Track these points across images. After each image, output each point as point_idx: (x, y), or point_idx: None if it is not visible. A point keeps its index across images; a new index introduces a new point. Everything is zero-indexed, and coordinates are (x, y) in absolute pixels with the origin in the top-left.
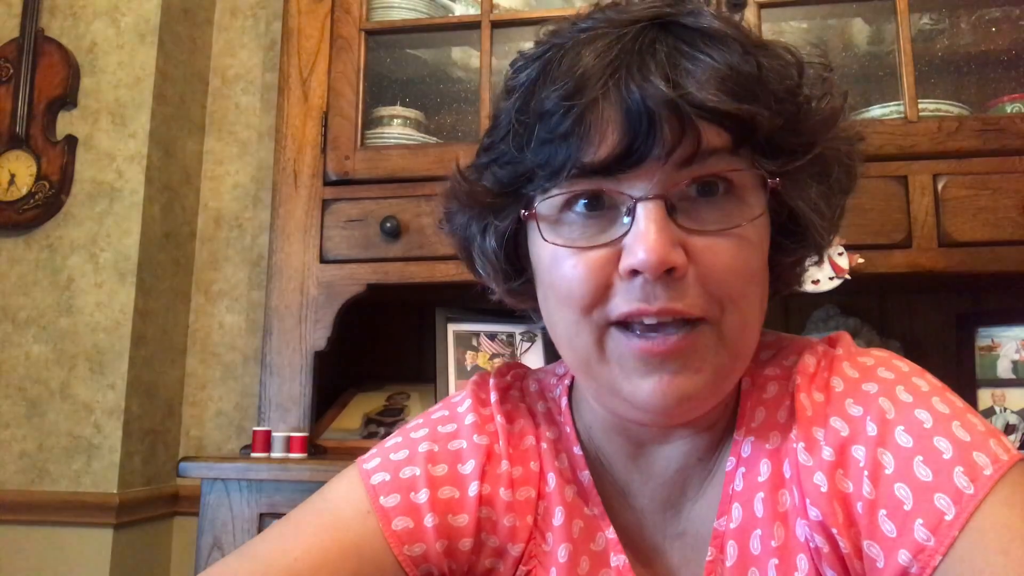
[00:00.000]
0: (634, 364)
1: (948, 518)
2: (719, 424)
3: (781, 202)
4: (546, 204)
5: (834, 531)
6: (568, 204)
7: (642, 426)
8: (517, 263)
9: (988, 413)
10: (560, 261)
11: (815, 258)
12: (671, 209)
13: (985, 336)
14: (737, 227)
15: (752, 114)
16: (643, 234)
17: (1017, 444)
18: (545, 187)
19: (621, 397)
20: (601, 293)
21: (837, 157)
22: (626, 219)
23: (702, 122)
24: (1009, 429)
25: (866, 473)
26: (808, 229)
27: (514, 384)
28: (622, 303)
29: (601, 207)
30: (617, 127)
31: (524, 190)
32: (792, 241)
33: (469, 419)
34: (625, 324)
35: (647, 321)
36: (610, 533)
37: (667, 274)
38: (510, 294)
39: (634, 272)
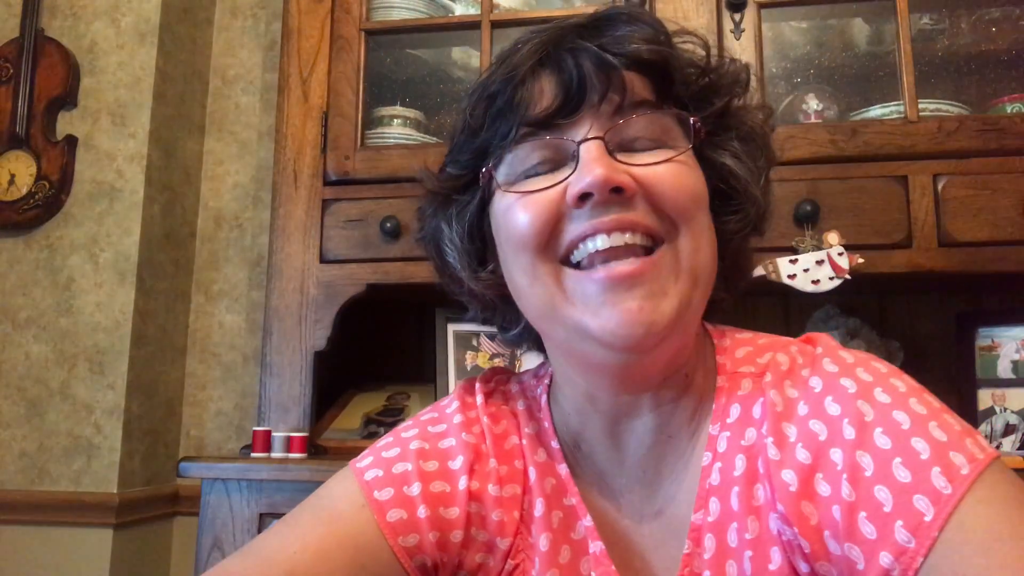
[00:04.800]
0: (599, 297)
1: (927, 519)
2: (684, 399)
3: (709, 161)
4: (503, 168)
5: (796, 530)
6: (523, 169)
7: (612, 380)
8: (483, 249)
9: (988, 413)
10: (514, 207)
11: (757, 233)
12: (610, 150)
13: (985, 336)
14: (671, 158)
15: (667, 58)
16: (586, 162)
17: (1017, 444)
18: (500, 155)
19: (590, 336)
20: (552, 227)
21: (753, 121)
22: (572, 163)
23: (626, 71)
24: (1009, 429)
25: (845, 476)
26: (738, 188)
27: (497, 388)
28: (575, 228)
29: (551, 168)
30: (553, 85)
31: (483, 165)
32: (729, 205)
33: (457, 419)
34: (579, 264)
35: (601, 246)
36: (587, 522)
37: (616, 194)
38: (478, 280)
39: (583, 198)
